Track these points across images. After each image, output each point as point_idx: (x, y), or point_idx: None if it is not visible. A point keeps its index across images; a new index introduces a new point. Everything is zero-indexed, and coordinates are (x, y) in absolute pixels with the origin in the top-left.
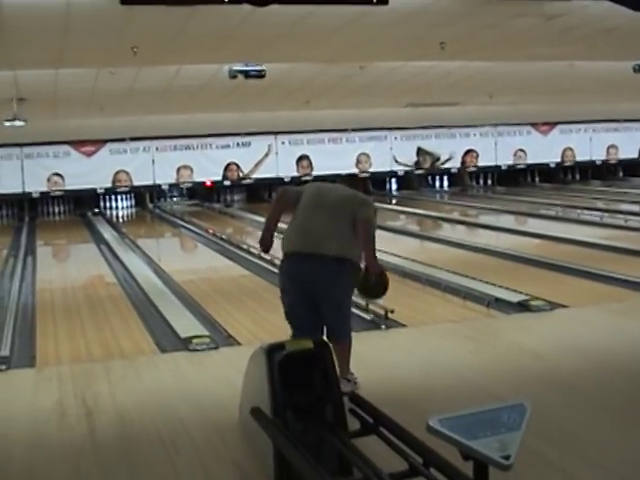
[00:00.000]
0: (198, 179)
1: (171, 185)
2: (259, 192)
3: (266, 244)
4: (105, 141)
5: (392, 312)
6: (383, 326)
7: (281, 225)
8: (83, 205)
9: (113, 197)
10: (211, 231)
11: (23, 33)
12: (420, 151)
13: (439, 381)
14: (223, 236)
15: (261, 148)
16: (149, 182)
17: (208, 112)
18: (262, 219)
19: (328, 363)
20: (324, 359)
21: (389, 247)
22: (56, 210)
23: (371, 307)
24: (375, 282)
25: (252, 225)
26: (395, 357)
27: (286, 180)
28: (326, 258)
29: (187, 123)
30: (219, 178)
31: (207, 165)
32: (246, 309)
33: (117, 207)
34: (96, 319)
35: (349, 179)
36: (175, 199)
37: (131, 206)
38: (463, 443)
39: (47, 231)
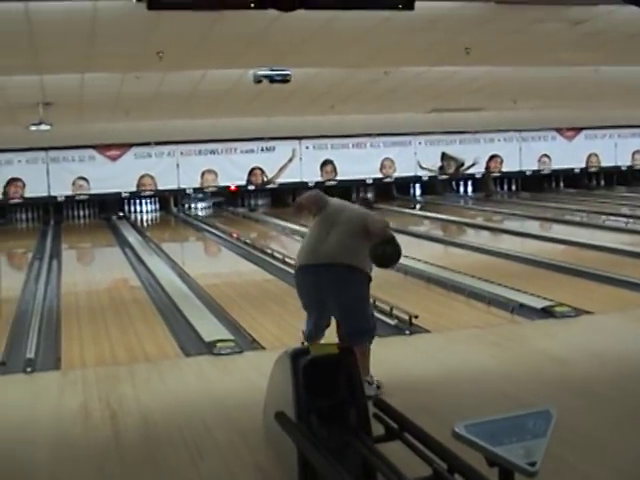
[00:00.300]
0: (222, 183)
1: (195, 189)
2: (283, 197)
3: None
4: (130, 145)
5: (416, 317)
6: (407, 331)
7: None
8: (108, 209)
9: (138, 201)
10: (235, 235)
11: (50, 38)
12: (444, 156)
13: (464, 387)
14: (247, 240)
15: (285, 153)
16: (174, 186)
17: (233, 117)
18: (286, 224)
19: (352, 368)
20: (348, 364)
21: (413, 252)
22: (81, 214)
23: (395, 312)
24: (392, 252)
25: (276, 229)
26: (419, 363)
27: (310, 185)
28: (335, 266)
29: (212, 128)
30: (243, 183)
31: (231, 170)
32: (270, 313)
33: (141, 211)
34: (120, 322)
35: (363, 200)
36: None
37: (155, 210)
38: (488, 449)
39: (72, 234)
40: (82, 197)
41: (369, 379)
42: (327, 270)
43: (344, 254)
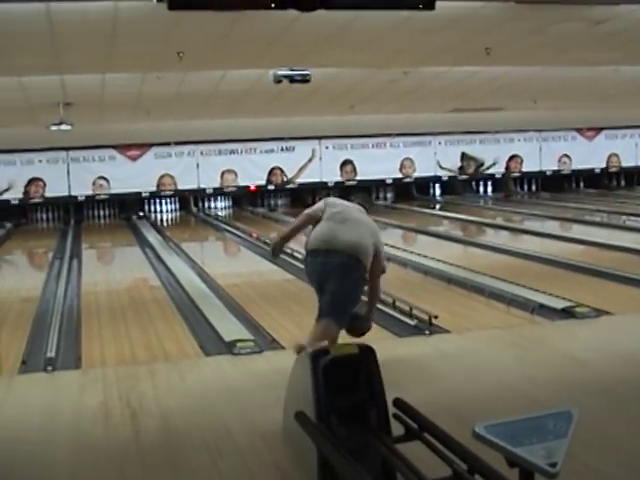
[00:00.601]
0: (242, 183)
1: (215, 189)
2: (303, 197)
3: (278, 250)
4: (150, 145)
5: (436, 318)
6: (427, 332)
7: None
8: (128, 209)
9: (157, 201)
10: (255, 235)
11: (71, 39)
12: (464, 156)
13: (484, 388)
14: (267, 240)
15: (305, 153)
16: (193, 186)
17: (253, 117)
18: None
19: (373, 368)
20: (369, 364)
21: (433, 253)
22: (101, 213)
23: (415, 312)
24: (363, 331)
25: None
26: (439, 363)
27: (330, 185)
28: (348, 256)
29: (232, 128)
30: (263, 182)
31: (251, 169)
32: (290, 313)
33: (161, 211)
34: (140, 322)
35: (363, 195)
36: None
37: (175, 210)
38: (509, 450)
39: (92, 234)
40: (102, 197)
41: (304, 344)
42: (339, 257)
43: (358, 248)
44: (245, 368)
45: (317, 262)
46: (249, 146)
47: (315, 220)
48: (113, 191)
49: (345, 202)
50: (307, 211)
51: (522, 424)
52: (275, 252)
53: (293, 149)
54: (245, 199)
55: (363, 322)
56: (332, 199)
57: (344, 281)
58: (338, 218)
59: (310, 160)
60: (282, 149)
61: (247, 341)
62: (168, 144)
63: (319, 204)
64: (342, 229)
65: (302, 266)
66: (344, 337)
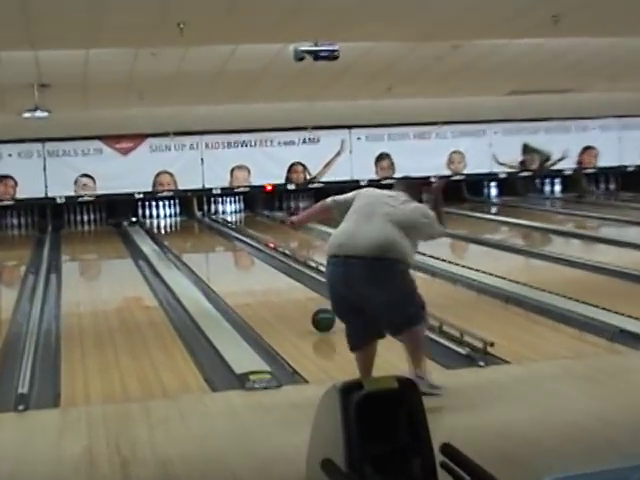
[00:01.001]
0: (256, 182)
1: (224, 189)
2: None
3: (300, 221)
4: (145, 136)
5: (492, 345)
6: (481, 362)
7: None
8: (118, 213)
9: (154, 203)
10: (272, 245)
11: (47, 5)
12: (526, 149)
13: (551, 431)
14: (286, 251)
15: (332, 145)
16: (197, 186)
17: (269, 102)
18: (333, 230)
19: (416, 406)
20: (411, 401)
21: (487, 266)
22: (85, 219)
23: (467, 339)
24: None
25: (322, 238)
26: (497, 401)
27: (363, 184)
28: (362, 259)
29: (243, 115)
30: (282, 181)
31: (267, 165)
32: (315, 339)
33: (158, 215)
34: (133, 350)
35: (406, 181)
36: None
37: (175, 214)
38: None
39: (74, 244)
40: (86, 198)
41: (419, 372)
42: (363, 265)
43: (383, 246)
44: (260, 406)
45: (337, 272)
46: (264, 137)
47: (340, 210)
48: (100, 191)
49: (384, 192)
50: (334, 197)
51: (599, 477)
52: (289, 222)
53: (318, 140)
54: (260, 201)
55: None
56: (367, 190)
57: (386, 289)
58: (363, 213)
59: (338, 154)
60: (304, 140)
61: (262, 373)
62: (166, 135)
63: (350, 194)
64: (363, 229)
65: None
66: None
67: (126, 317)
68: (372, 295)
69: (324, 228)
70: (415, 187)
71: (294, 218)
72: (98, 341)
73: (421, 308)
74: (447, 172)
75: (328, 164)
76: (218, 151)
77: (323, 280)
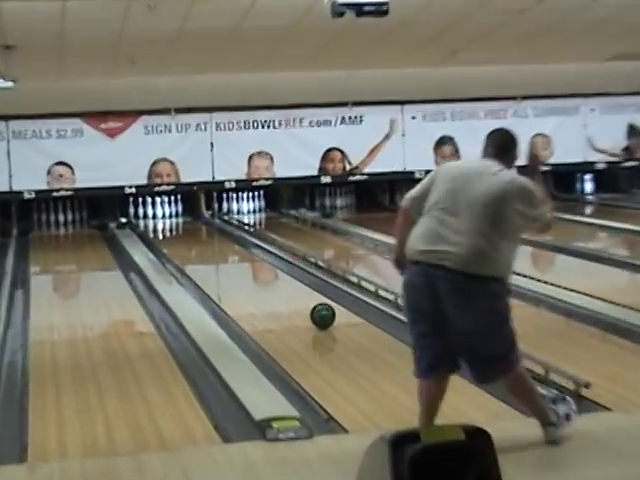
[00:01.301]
0: (281, 174)
1: (239, 182)
2: (374, 194)
3: (401, 260)
4: (138, 113)
5: (587, 387)
6: (574, 408)
7: None
8: (103, 212)
9: (149, 200)
10: (301, 255)
11: None
12: (633, 131)
13: None
14: (319, 262)
15: (379, 126)
16: (205, 177)
17: (298, 70)
18: (381, 236)
19: (487, 463)
20: (481, 457)
21: (578, 281)
22: (61, 219)
23: (554, 377)
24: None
25: (364, 245)
26: (593, 457)
27: (418, 176)
28: (449, 271)
29: (264, 87)
30: (314, 172)
31: (295, 152)
32: (356, 376)
33: (155, 216)
34: (122, 388)
35: (499, 137)
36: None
37: (177, 214)
38: None
39: (47, 251)
40: (62, 193)
41: (548, 418)
42: (449, 278)
43: (475, 260)
44: (285, 461)
45: (417, 283)
46: (292, 115)
47: (419, 208)
48: (80, 184)
49: (471, 164)
50: (408, 195)
51: None
52: (399, 265)
53: (360, 120)
54: (285, 198)
55: None
56: (448, 167)
57: (471, 317)
58: (446, 206)
59: (387, 137)
60: (344, 120)
61: (288, 420)
62: (166, 112)
63: (426, 179)
64: (448, 231)
65: (373, 302)
66: None
67: (113, 347)
68: (455, 318)
69: (366, 232)
70: (510, 150)
71: (396, 262)
72: (77, 377)
73: (513, 346)
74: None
75: (374, 150)
76: (232, 133)
77: (367, 300)
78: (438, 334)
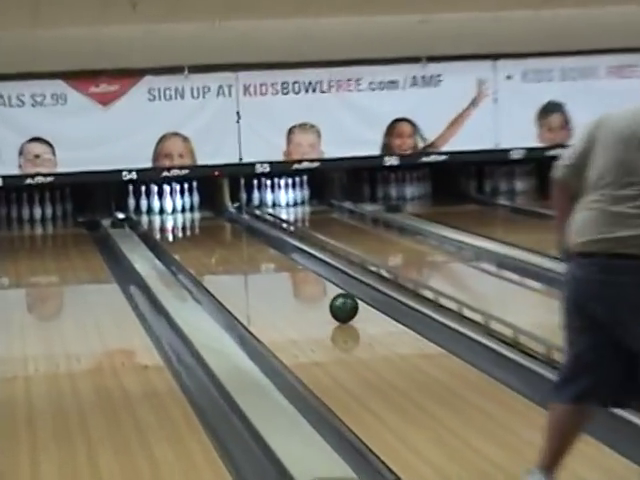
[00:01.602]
0: (331, 154)
1: (274, 164)
2: (456, 180)
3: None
4: (140, 73)
5: None
6: None
7: None
8: (94, 205)
9: (155, 189)
10: (358, 262)
11: None
12: None
13: None
14: (383, 272)
15: (463, 89)
16: (230, 159)
17: (352, 14)
18: (464, 237)
19: None
20: None
21: None
22: (37, 214)
23: None
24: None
25: (444, 249)
26: None
27: (515, 156)
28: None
29: (308, 35)
30: (375, 152)
31: (350, 124)
32: (432, 424)
33: (163, 210)
34: (119, 439)
35: None
36: None
37: (192, 208)
38: None
39: (18, 257)
40: (40, 180)
41: None
42: (631, 269)
43: None
44: None
45: (590, 280)
46: (345, 74)
47: (578, 176)
48: (62, 168)
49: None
50: (560, 162)
51: None
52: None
53: (438, 81)
54: (337, 186)
55: None
56: (612, 119)
57: None
58: (620, 171)
59: (474, 104)
60: (415, 81)
61: None
62: (178, 71)
63: (583, 136)
64: (628, 211)
65: (456, 326)
66: None
67: (108, 384)
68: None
69: (446, 231)
70: None
71: (563, 252)
72: (60, 425)
73: None
74: None
75: (455, 122)
76: (265, 99)
77: (447, 323)
78: (611, 351)
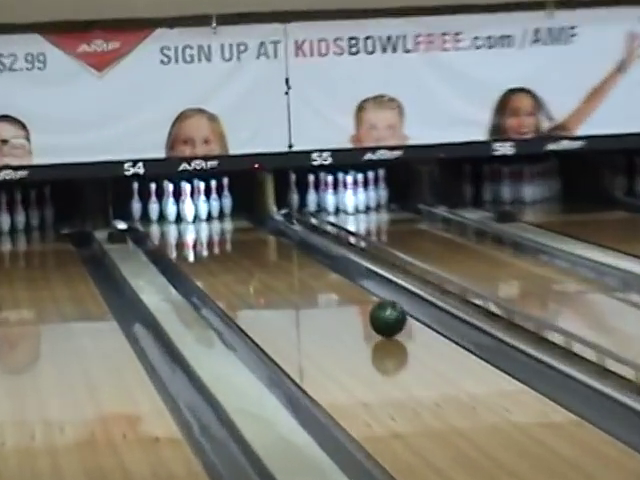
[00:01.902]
0: (419, 139)
1: (338, 154)
2: (597, 176)
3: None
4: (149, 25)
5: None
6: None
7: None
8: (84, 210)
9: (170, 188)
10: (458, 291)
11: None
12: None
13: None
14: (492, 306)
15: (604, 48)
16: (276, 147)
17: None
18: (609, 258)
19: None
20: None
21: None
22: (4, 223)
23: None
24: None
25: (580, 274)
26: None
27: None
28: None
29: None
30: (481, 136)
31: (445, 97)
32: None
33: (182, 217)
34: None
35: None
36: None
37: (222, 213)
38: None
39: None
40: (10, 175)
41: None
42: None
43: None
44: None
45: None
46: (436, 27)
47: None
48: (41, 158)
49: None
50: None
51: None
52: None
53: (570, 36)
54: (427, 184)
55: None
56: None
57: None
58: None
59: (621, 69)
60: (538, 36)
61: None
62: (202, 22)
63: None
64: None
65: (598, 385)
66: None
67: (103, 464)
68: None
69: (582, 249)
70: None
71: None
72: None
73: None
74: None
75: (595, 94)
76: (325, 61)
77: (585, 381)
78: None
